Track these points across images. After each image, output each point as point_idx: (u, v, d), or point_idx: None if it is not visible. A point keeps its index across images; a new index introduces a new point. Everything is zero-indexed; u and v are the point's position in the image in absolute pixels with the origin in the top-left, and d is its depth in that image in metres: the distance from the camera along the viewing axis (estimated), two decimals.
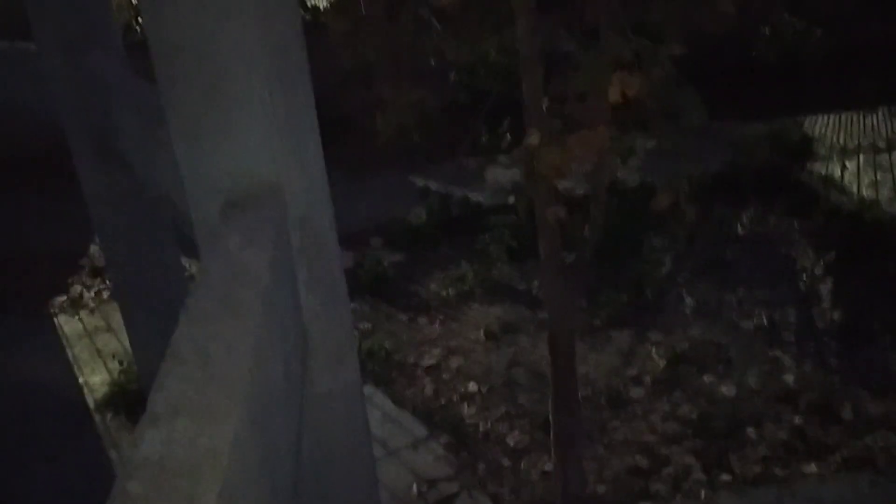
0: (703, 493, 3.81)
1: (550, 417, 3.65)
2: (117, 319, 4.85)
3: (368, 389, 4.68)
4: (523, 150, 2.32)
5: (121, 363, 5.04)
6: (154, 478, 0.87)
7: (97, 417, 4.86)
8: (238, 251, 1.37)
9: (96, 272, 6.61)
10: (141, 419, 0.99)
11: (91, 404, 4.99)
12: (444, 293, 5.93)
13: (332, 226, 1.92)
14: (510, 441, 4.33)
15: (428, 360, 5.15)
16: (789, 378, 4.58)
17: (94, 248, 6.82)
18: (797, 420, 4.23)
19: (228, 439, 0.94)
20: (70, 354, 5.56)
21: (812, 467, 3.91)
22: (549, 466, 3.98)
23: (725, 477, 3.90)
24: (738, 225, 6.48)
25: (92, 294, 6.41)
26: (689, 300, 5.52)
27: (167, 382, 1.04)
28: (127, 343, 4.47)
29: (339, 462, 2.19)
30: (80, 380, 5.25)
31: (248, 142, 1.67)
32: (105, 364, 5.32)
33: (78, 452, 4.49)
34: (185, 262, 4.24)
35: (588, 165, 2.36)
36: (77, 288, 6.52)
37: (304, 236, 1.78)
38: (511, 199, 5.79)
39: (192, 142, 1.65)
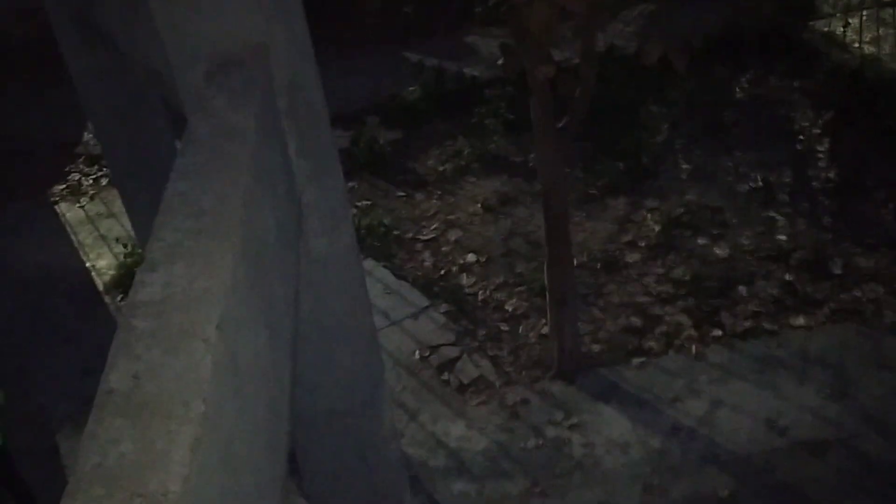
0: (693, 347, 3.97)
1: (546, 281, 3.76)
2: (118, 205, 4.88)
3: (369, 264, 4.77)
4: (511, 6, 2.27)
5: (125, 246, 5.13)
6: (157, 314, 0.93)
7: (107, 299, 4.99)
8: (224, 110, 1.39)
9: (93, 160, 6.59)
10: (140, 266, 1.04)
11: (101, 287, 5.12)
12: (441, 168, 5.94)
13: (319, 91, 1.92)
14: (508, 307, 4.46)
15: (427, 234, 5.22)
16: (782, 237, 4.65)
17: (88, 136, 6.77)
18: (788, 276, 4.33)
19: (224, 281, 0.99)
20: (75, 240, 5.64)
21: (800, 320, 4.05)
22: (546, 330, 4.12)
23: (716, 332, 4.05)
24: (738, 87, 6.38)
25: (90, 181, 6.43)
26: (685, 165, 5.52)
27: (162, 233, 1.08)
28: (129, 226, 4.53)
29: (339, 324, 2.28)
30: (88, 264, 5.36)
31: (231, 3, 1.65)
32: (110, 248, 5.41)
33: (93, 333, 4.63)
34: (178, 143, 4.23)
35: (578, 22, 2.32)
36: (75, 176, 6.53)
37: (291, 99, 1.78)
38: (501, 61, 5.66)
39: (173, 6, 1.63)
